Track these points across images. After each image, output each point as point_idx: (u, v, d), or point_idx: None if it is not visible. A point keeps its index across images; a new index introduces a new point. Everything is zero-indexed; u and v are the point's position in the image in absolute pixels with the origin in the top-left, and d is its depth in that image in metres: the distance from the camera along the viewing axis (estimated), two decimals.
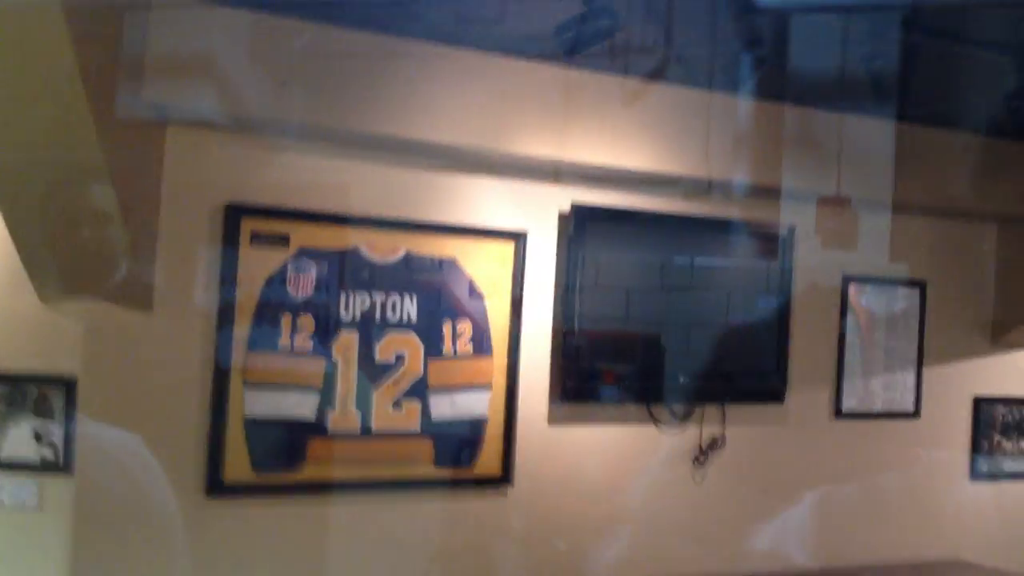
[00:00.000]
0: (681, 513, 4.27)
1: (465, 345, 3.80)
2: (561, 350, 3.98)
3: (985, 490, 5.06)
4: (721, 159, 4.01)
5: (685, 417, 4.26)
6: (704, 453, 4.29)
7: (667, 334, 4.16)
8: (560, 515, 4.02)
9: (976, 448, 5.01)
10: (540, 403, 3.98)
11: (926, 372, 4.85)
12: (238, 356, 3.48)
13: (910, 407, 4.82)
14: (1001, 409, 5.08)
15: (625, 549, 4.15)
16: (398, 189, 3.73)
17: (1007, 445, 5.11)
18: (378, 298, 3.68)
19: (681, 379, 4.17)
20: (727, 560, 4.36)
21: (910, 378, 4.81)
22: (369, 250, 3.67)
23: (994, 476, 5.07)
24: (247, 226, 3.49)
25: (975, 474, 5.02)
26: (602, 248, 4.01)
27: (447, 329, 3.78)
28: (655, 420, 4.21)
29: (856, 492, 4.70)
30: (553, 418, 4.00)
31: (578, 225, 3.96)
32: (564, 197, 4.00)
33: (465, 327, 3.80)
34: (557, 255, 4.00)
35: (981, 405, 5.02)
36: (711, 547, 4.33)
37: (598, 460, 4.10)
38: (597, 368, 4.02)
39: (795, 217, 4.42)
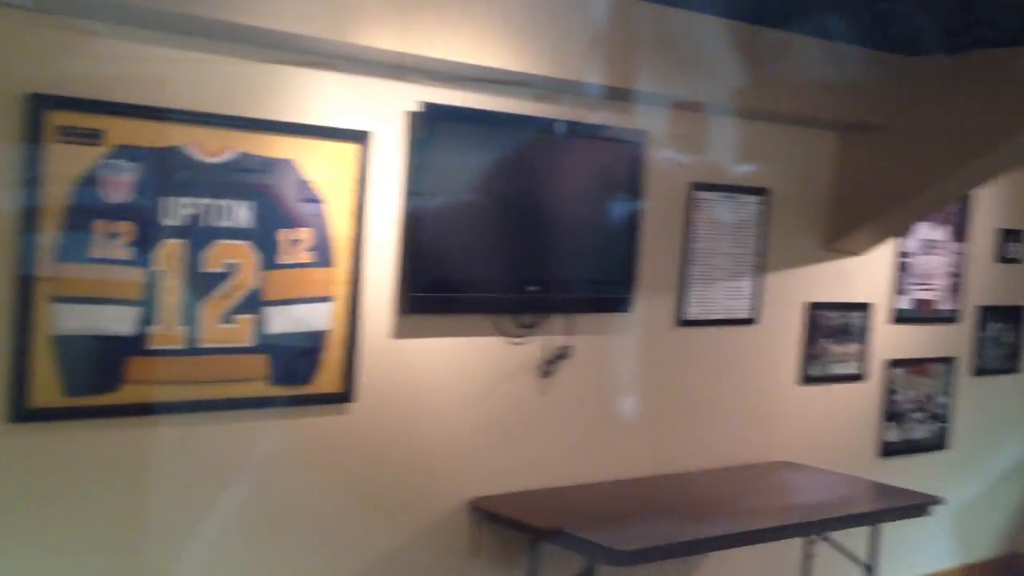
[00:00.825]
0: (527, 425, 4.17)
1: (303, 254, 3.51)
2: (406, 260, 3.74)
3: (814, 393, 5.19)
4: (574, 59, 3.81)
5: (532, 328, 4.12)
6: (551, 363, 4.19)
7: (516, 243, 3.98)
8: (405, 431, 3.84)
9: (806, 352, 5.12)
10: (384, 316, 3.75)
11: (765, 278, 4.89)
12: (44, 267, 3.07)
13: (749, 314, 4.86)
14: (829, 314, 5.20)
15: (470, 464, 4.02)
16: (228, 82, 3.34)
17: (835, 349, 5.25)
18: (206, 202, 3.32)
19: (529, 289, 4.02)
20: (572, 471, 4.31)
21: (750, 285, 4.84)
22: (196, 149, 3.29)
23: (822, 379, 5.21)
24: (54, 120, 3.04)
25: (804, 378, 5.14)
26: (451, 150, 3.76)
27: (283, 237, 3.47)
28: (502, 332, 4.05)
29: (694, 399, 4.73)
30: (398, 331, 3.79)
31: (426, 126, 3.69)
32: (412, 96, 3.71)
33: (303, 235, 3.50)
34: (403, 158, 3.72)
35: (813, 310, 5.12)
36: (556, 459, 4.27)
37: (444, 374, 3.92)
38: (443, 279, 3.82)
39: (647, 121, 4.29)
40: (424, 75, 3.70)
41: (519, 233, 3.99)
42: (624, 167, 4.20)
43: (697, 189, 4.57)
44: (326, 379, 3.61)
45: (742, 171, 4.75)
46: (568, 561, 3.94)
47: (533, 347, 4.15)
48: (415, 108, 3.70)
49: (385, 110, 3.67)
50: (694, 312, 4.64)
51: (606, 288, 4.25)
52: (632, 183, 4.23)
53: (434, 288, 3.79)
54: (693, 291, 4.62)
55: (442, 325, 3.90)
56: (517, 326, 4.09)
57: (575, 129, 4.08)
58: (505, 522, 3.96)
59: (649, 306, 4.48)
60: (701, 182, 4.58)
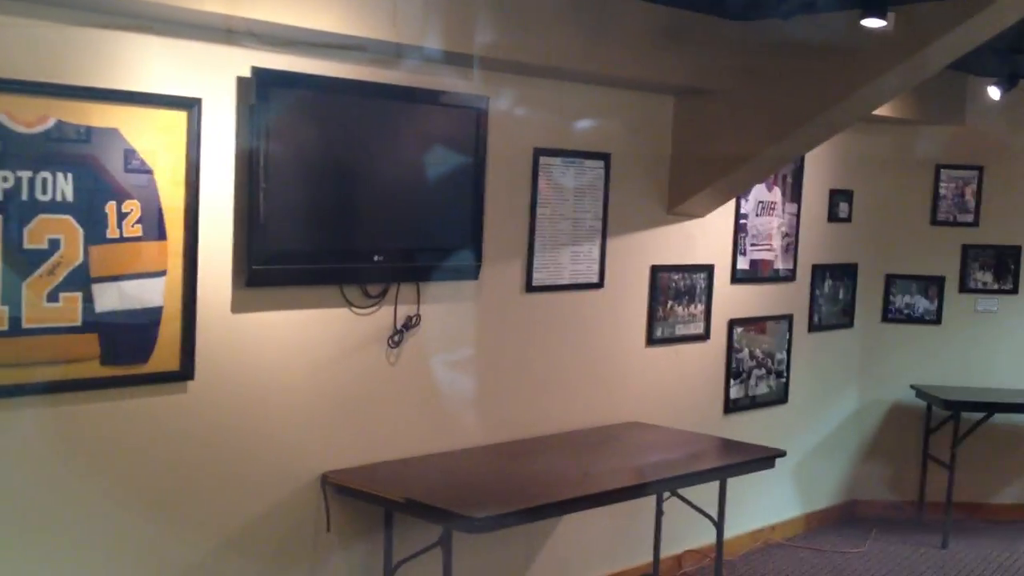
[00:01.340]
0: (377, 397, 4.11)
1: (133, 227, 3.35)
2: (245, 231, 3.62)
3: (660, 353, 5.30)
4: (412, 23, 3.74)
5: (379, 297, 4.06)
6: (399, 333, 4.14)
7: (359, 211, 3.91)
8: (250, 408, 3.73)
9: (652, 315, 5.22)
10: (224, 289, 3.62)
11: (609, 243, 4.94)
12: None
13: (595, 278, 4.91)
14: (674, 276, 5.31)
15: (320, 438, 3.94)
16: (46, 48, 3.15)
17: (679, 310, 5.36)
18: (24, 175, 3.13)
19: (375, 258, 3.95)
20: (424, 441, 4.28)
21: (595, 249, 4.89)
22: (10, 119, 3.09)
23: (668, 340, 5.32)
24: None
25: (651, 339, 5.23)
26: (287, 117, 3.65)
27: (111, 210, 3.30)
28: (348, 302, 3.98)
29: (544, 364, 4.76)
30: (239, 305, 3.66)
31: (260, 92, 3.56)
32: (244, 61, 3.58)
33: (132, 207, 3.34)
34: (237, 125, 3.59)
35: (657, 273, 5.21)
36: (408, 429, 4.22)
37: (290, 347, 3.82)
38: (285, 250, 3.71)
39: (489, 87, 4.27)
40: (256, 40, 3.57)
41: (362, 202, 3.91)
42: (466, 133, 4.17)
43: (540, 154, 4.58)
44: (162, 357, 3.46)
45: (584, 136, 4.78)
46: (423, 531, 3.91)
47: (381, 317, 4.09)
48: (248, 74, 3.57)
49: (216, 76, 3.53)
50: (541, 277, 4.66)
51: (453, 256, 4.22)
52: (475, 149, 4.21)
53: (276, 260, 3.68)
54: (540, 257, 4.64)
55: (286, 297, 3.80)
56: (364, 296, 4.03)
57: (415, 95, 4.02)
58: (357, 495, 3.91)
59: (497, 273, 4.48)
60: (544, 147, 4.60)
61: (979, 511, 6.68)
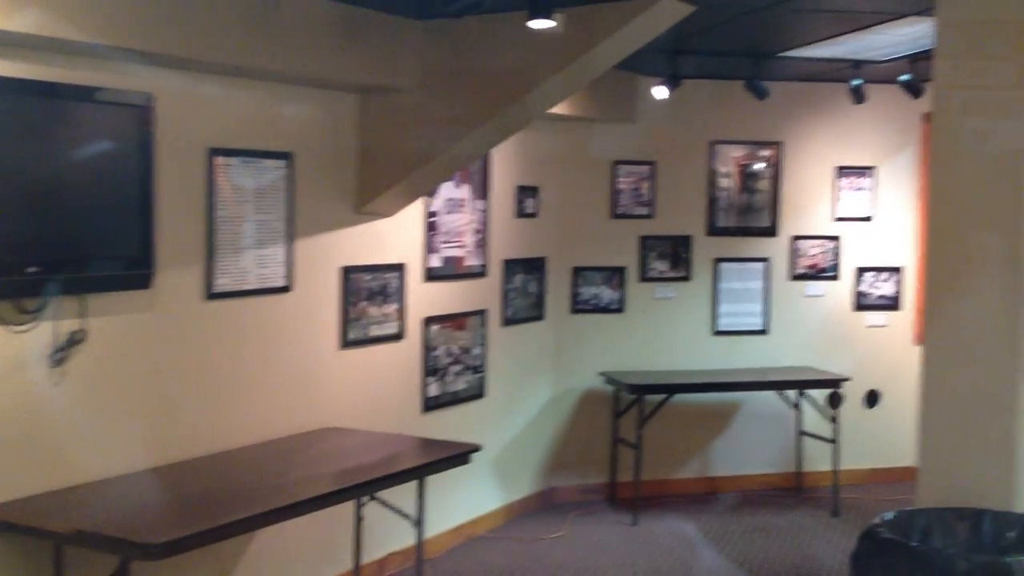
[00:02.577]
0: (42, 421, 3.75)
1: None
2: None
3: (354, 356, 5.22)
4: (67, 16, 3.45)
5: (37, 313, 3.71)
6: (62, 350, 3.80)
7: (7, 219, 3.54)
8: None
9: (345, 316, 5.13)
10: None
11: (296, 245, 4.80)
12: None
13: (282, 281, 4.75)
14: (365, 276, 5.24)
15: None
16: None
17: (373, 310, 5.30)
18: None
19: (28, 270, 3.60)
20: (98, 466, 3.95)
21: (281, 252, 4.73)
22: None
23: (363, 342, 5.25)
24: None
25: (345, 342, 5.14)
26: None
27: None
28: (0, 319, 3.61)
29: (231, 373, 4.55)
30: None
31: None
32: None
33: None
34: None
35: (348, 274, 5.13)
36: (79, 454, 3.88)
37: None
38: None
39: (156, 84, 4.01)
40: None
41: (10, 210, 3.55)
42: (129, 132, 3.88)
43: (216, 154, 4.36)
44: None
45: (264, 135, 4.61)
46: (100, 562, 3.61)
47: (41, 334, 3.74)
48: None
49: None
50: (224, 283, 4.44)
51: (121, 264, 3.93)
52: (140, 149, 3.93)
53: None
54: (221, 262, 4.42)
55: None
56: (19, 312, 3.66)
57: (65, 92, 3.70)
58: (23, 530, 3.55)
59: (173, 280, 4.22)
60: (220, 147, 4.38)
61: (664, 487, 7.10)
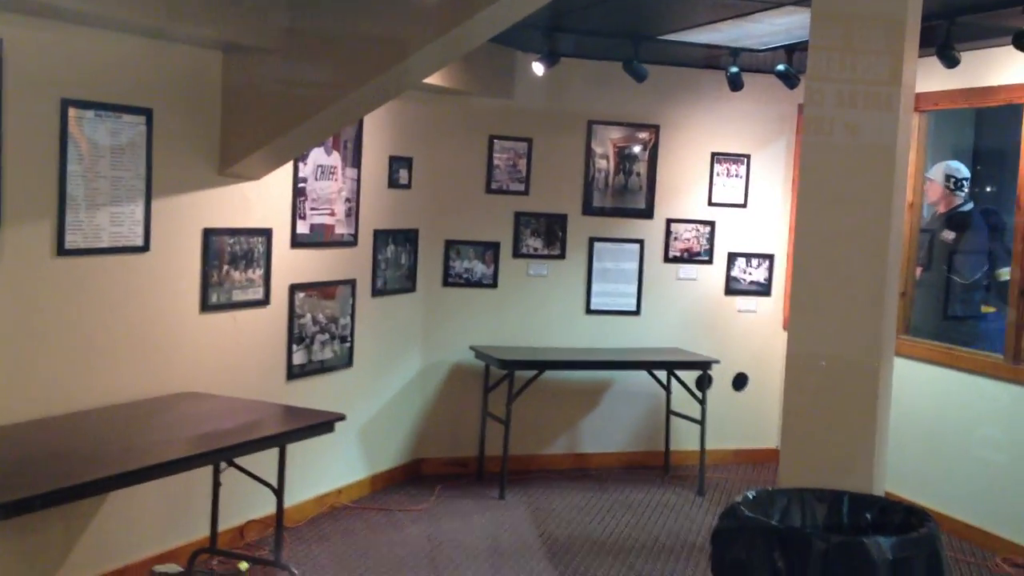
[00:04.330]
0: None
1: None
2: None
3: (216, 320, 5.12)
4: None
5: None
6: None
7: None
8: None
9: (206, 279, 5.03)
10: None
11: (155, 204, 4.68)
12: None
13: (140, 241, 4.63)
14: (229, 240, 5.15)
15: None
16: None
17: (237, 275, 5.21)
18: None
19: None
20: None
21: (138, 210, 4.61)
22: None
23: (225, 307, 5.15)
24: None
25: (206, 306, 5.04)
26: None
27: None
28: None
29: (84, 333, 4.42)
30: None
31: None
32: None
33: None
34: None
35: (210, 236, 5.02)
36: None
37: None
38: None
39: (6, 30, 3.85)
40: None
41: None
42: None
43: (70, 105, 4.22)
44: None
45: (123, 89, 4.48)
46: None
47: None
48: None
49: None
50: (75, 240, 4.31)
51: None
52: None
53: None
54: (73, 218, 4.28)
55: None
56: None
57: None
58: None
59: (20, 236, 4.07)
60: (75, 99, 4.24)
61: (533, 462, 7.16)
